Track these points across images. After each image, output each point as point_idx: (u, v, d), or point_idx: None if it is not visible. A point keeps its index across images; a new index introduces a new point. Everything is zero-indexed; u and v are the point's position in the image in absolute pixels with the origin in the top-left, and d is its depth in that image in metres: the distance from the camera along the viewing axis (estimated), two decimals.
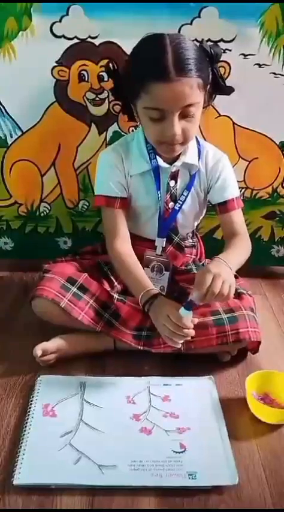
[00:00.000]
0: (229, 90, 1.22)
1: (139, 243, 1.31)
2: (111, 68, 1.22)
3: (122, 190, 1.26)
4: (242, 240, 1.27)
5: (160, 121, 1.09)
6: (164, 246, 1.29)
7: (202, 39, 1.20)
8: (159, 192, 1.25)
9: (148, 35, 1.11)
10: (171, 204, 1.27)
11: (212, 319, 1.17)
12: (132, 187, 1.27)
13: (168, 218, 1.27)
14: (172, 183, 1.25)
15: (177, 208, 1.27)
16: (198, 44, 1.14)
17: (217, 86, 1.17)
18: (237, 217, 1.29)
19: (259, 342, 1.19)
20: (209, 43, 1.18)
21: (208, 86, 1.13)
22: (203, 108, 1.15)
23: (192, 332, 1.07)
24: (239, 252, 1.22)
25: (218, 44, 1.29)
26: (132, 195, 1.28)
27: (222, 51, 1.17)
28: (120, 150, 1.26)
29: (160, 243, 1.29)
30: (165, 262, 1.30)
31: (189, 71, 1.04)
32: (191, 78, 1.05)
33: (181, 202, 1.27)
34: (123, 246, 1.24)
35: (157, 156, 1.22)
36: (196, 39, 1.24)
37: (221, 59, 1.31)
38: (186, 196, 1.27)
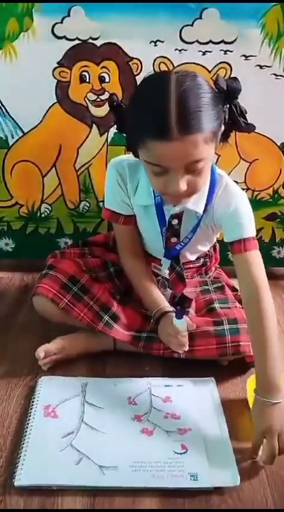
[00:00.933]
0: (250, 128, 1.03)
1: (146, 257, 1.29)
2: (114, 103, 1.05)
3: (126, 208, 1.21)
4: (265, 314, 1.04)
5: (163, 175, 0.96)
6: (169, 266, 1.25)
7: (218, 75, 1.01)
8: (163, 228, 1.19)
9: (151, 76, 0.97)
10: (173, 239, 1.21)
11: (214, 329, 1.16)
12: (135, 210, 1.22)
13: (171, 250, 1.23)
14: (175, 221, 1.18)
15: (178, 248, 1.22)
16: (211, 82, 0.97)
17: (235, 125, 1.00)
18: (250, 260, 1.10)
19: None
20: (226, 78, 1.00)
21: (222, 128, 0.98)
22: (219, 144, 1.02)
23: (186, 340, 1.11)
24: (275, 348, 1.01)
25: (220, 44, 1.30)
26: (136, 215, 1.23)
27: (240, 86, 1.00)
28: (127, 168, 1.17)
29: (166, 263, 1.25)
30: (169, 280, 1.27)
31: (195, 127, 0.89)
32: (196, 134, 0.90)
33: (183, 244, 1.21)
34: (132, 261, 1.26)
35: None
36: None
37: (222, 61, 1.33)
38: (190, 239, 1.20)
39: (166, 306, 1.18)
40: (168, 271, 1.25)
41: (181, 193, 0.98)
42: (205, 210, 1.14)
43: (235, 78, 1.00)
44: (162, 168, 0.95)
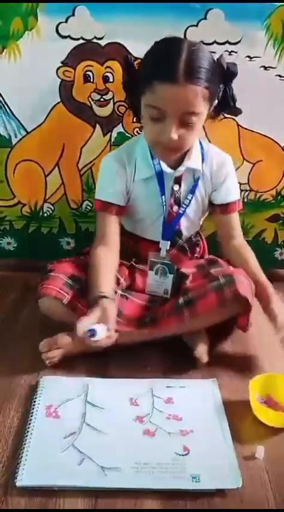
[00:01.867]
0: (237, 111, 1.23)
1: (144, 244, 1.32)
2: (129, 60, 1.19)
3: (121, 198, 1.27)
4: (247, 250, 1.33)
5: (159, 121, 1.09)
6: (168, 248, 1.29)
7: (221, 55, 1.16)
8: (163, 197, 1.26)
9: (169, 36, 1.11)
10: (175, 208, 1.28)
11: (211, 286, 1.17)
12: (135, 192, 1.27)
13: (172, 221, 1.29)
14: (176, 187, 1.27)
15: (181, 212, 1.28)
16: (215, 57, 1.12)
17: (226, 104, 1.18)
18: (235, 219, 1.34)
19: (249, 312, 1.18)
20: (227, 60, 1.16)
21: (215, 101, 1.15)
22: (205, 120, 1.15)
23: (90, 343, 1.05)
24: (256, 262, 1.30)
25: (225, 45, 1.31)
26: (135, 199, 1.28)
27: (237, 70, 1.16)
28: (124, 155, 1.26)
29: (165, 245, 1.29)
30: (169, 264, 1.29)
31: (198, 79, 1.04)
32: (198, 86, 1.04)
33: (185, 206, 1.29)
34: (104, 251, 1.24)
35: (161, 161, 1.22)
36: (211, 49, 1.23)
37: (226, 61, 1.32)
38: (190, 200, 1.29)
39: (110, 293, 1.14)
40: (166, 253, 1.29)
41: (173, 143, 1.10)
42: (202, 173, 1.27)
43: (234, 64, 1.16)
44: (160, 112, 1.07)
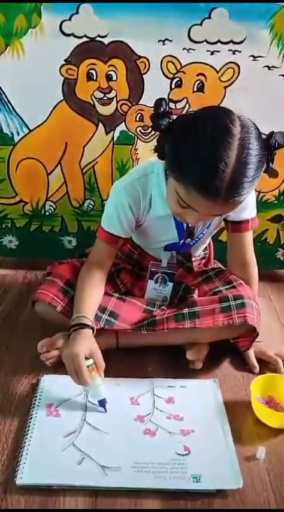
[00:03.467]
0: (274, 175, 1.02)
1: (148, 257, 1.31)
2: (163, 109, 0.98)
3: (128, 232, 1.20)
4: (251, 273, 1.28)
5: (186, 208, 0.99)
6: (169, 259, 1.28)
7: (273, 132, 0.98)
8: (178, 234, 1.21)
9: (215, 120, 0.92)
10: (187, 240, 1.23)
11: (220, 306, 1.16)
12: (146, 223, 1.21)
13: (182, 248, 1.26)
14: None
15: (192, 244, 1.25)
16: (262, 140, 0.95)
17: (266, 169, 1.00)
18: (247, 238, 1.25)
19: (253, 339, 1.18)
20: (277, 132, 0.99)
21: None
22: None
23: (89, 384, 1.02)
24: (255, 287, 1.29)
25: (229, 44, 1.30)
26: (145, 228, 1.22)
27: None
28: (138, 188, 1.14)
29: (166, 256, 1.27)
30: (169, 273, 1.28)
31: (241, 196, 0.93)
32: (239, 201, 0.95)
33: (198, 239, 1.24)
34: (95, 273, 1.19)
35: None
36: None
37: (230, 61, 1.32)
38: (204, 234, 1.24)
39: (90, 319, 1.10)
40: (167, 263, 1.27)
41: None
42: None
43: (282, 134, 0.99)
44: (190, 207, 0.97)
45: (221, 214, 1.05)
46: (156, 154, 1.05)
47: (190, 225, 1.18)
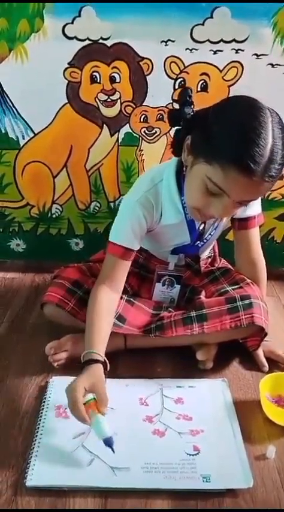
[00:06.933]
0: None
1: (155, 260, 1.31)
2: (188, 98, 1.04)
3: (140, 243, 1.17)
4: (260, 269, 1.27)
5: (214, 196, 0.98)
6: (177, 262, 1.27)
7: None
8: (190, 236, 1.20)
9: (250, 104, 0.94)
10: (197, 243, 1.23)
11: (226, 308, 1.16)
12: (157, 230, 1.19)
13: (189, 250, 1.25)
14: (201, 226, 1.20)
15: (201, 245, 1.24)
16: None
17: None
18: (254, 234, 1.24)
19: (261, 339, 1.18)
20: None
21: None
22: None
23: (86, 421, 0.93)
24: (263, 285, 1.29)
25: (231, 43, 1.30)
26: (155, 234, 1.21)
27: None
28: (151, 198, 1.13)
29: (174, 259, 1.27)
30: (176, 275, 1.28)
31: (275, 176, 0.93)
32: (273, 182, 0.94)
33: (206, 240, 1.23)
34: (107, 294, 1.14)
35: None
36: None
37: (233, 60, 1.32)
38: (213, 235, 1.24)
39: (101, 353, 1.04)
40: (174, 267, 1.27)
41: (217, 216, 1.05)
42: None
43: None
44: (221, 192, 0.95)
45: (252, 199, 1.01)
46: (171, 150, 1.09)
47: (200, 228, 1.18)
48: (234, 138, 0.90)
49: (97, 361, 1.01)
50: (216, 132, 0.93)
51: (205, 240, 1.23)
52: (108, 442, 0.92)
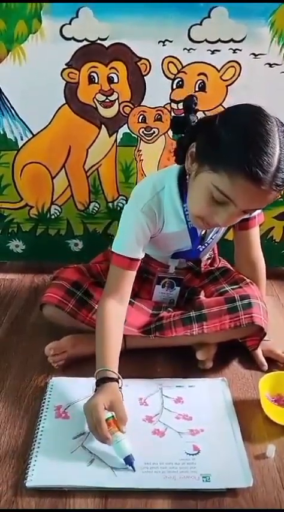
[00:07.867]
0: None
1: (155, 263, 1.30)
2: (193, 105, 1.06)
3: (144, 251, 1.15)
4: (259, 268, 1.27)
5: (219, 205, 0.97)
6: (178, 265, 1.28)
7: None
8: (191, 244, 1.20)
9: (257, 112, 0.94)
10: (198, 247, 1.22)
11: (226, 308, 1.16)
12: (158, 237, 1.18)
13: (190, 254, 1.25)
14: (203, 231, 1.20)
15: (202, 249, 1.24)
16: None
17: None
18: (254, 234, 1.24)
19: (260, 339, 1.18)
20: None
21: None
22: None
23: (108, 439, 0.93)
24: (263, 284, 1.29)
25: (229, 43, 1.30)
26: (157, 240, 1.19)
27: None
28: (154, 207, 1.12)
29: (174, 263, 1.27)
30: (176, 278, 1.28)
31: (282, 185, 0.92)
32: (279, 191, 0.94)
33: (207, 244, 1.23)
34: (115, 307, 1.12)
35: None
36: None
37: (231, 59, 1.32)
38: (214, 239, 1.24)
39: (115, 371, 1.03)
40: (175, 269, 1.27)
41: (220, 225, 1.02)
42: None
43: None
44: (227, 200, 0.94)
45: (257, 208, 1.02)
46: (175, 159, 1.08)
47: (202, 233, 1.18)
48: (242, 146, 0.90)
49: (112, 379, 1.01)
50: (224, 140, 0.92)
51: (206, 244, 1.23)
52: (129, 461, 0.91)
